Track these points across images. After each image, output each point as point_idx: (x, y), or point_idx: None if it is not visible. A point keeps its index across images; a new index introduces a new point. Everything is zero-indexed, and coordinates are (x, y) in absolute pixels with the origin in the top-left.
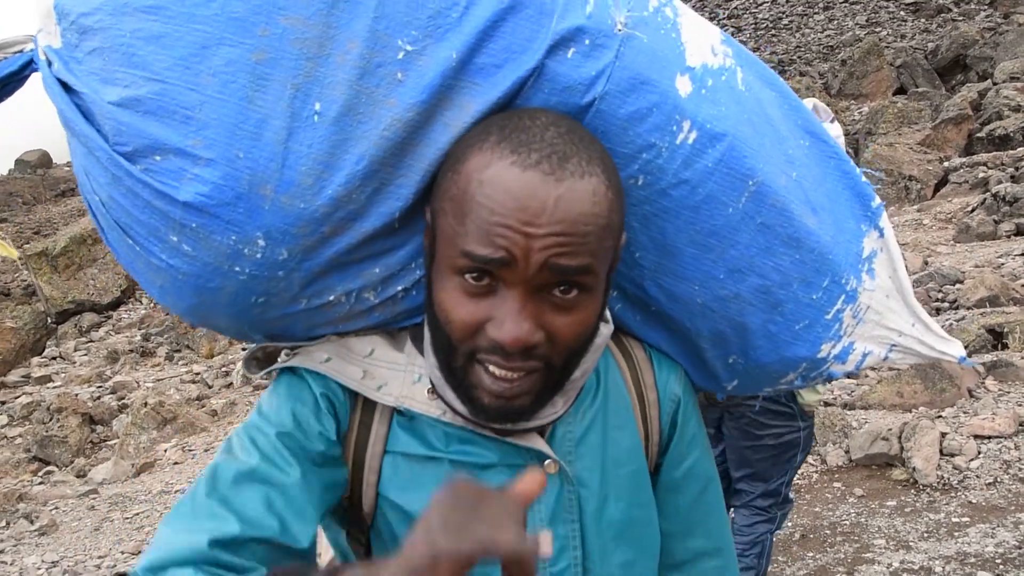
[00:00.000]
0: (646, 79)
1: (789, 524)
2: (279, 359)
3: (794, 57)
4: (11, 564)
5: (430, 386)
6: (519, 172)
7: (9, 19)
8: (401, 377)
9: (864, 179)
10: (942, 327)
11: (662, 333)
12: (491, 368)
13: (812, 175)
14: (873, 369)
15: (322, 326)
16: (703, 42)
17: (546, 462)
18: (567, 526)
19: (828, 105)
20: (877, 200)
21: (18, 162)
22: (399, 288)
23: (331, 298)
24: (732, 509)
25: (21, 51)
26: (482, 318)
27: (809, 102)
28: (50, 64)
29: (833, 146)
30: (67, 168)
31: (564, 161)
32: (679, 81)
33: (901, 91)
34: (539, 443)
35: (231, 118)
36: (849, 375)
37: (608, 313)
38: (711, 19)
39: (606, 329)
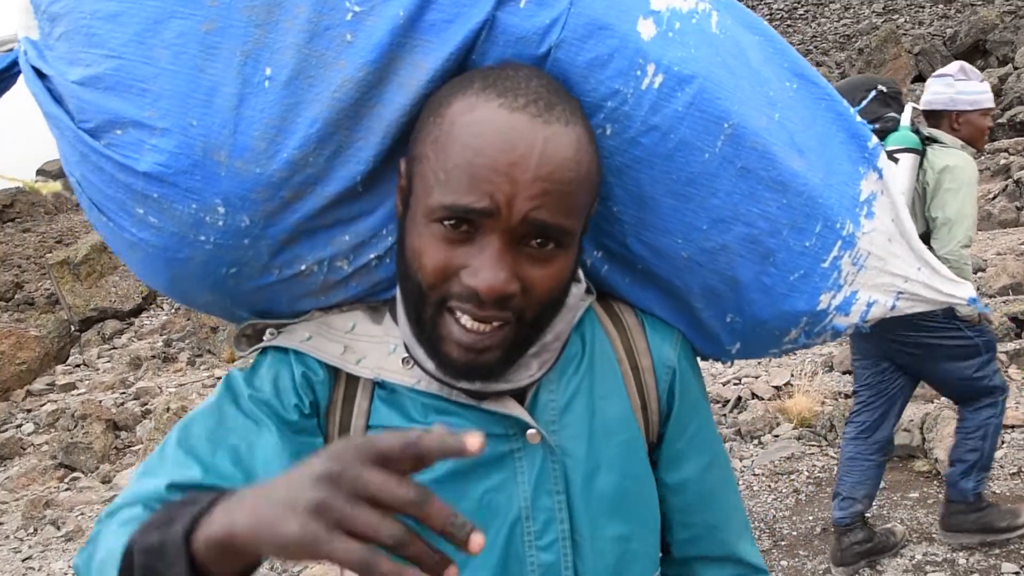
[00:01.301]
0: (604, 24)
1: (810, 518)
2: (265, 336)
3: (810, 47)
4: (39, 570)
5: (405, 355)
6: (507, 113)
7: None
8: (378, 349)
9: (859, 119)
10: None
11: (654, 294)
12: (462, 319)
13: (799, 117)
14: None
15: (303, 298)
16: None
17: (529, 431)
18: (552, 498)
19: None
20: (874, 140)
21: (39, 172)
22: (372, 256)
23: (303, 267)
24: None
25: (11, 49)
26: (457, 264)
27: (955, 65)
28: (27, 55)
29: (823, 87)
30: None
31: (551, 107)
32: (641, 24)
33: (919, 79)
34: (517, 410)
35: (183, 88)
36: (857, 328)
37: (582, 275)
38: None
39: (577, 290)
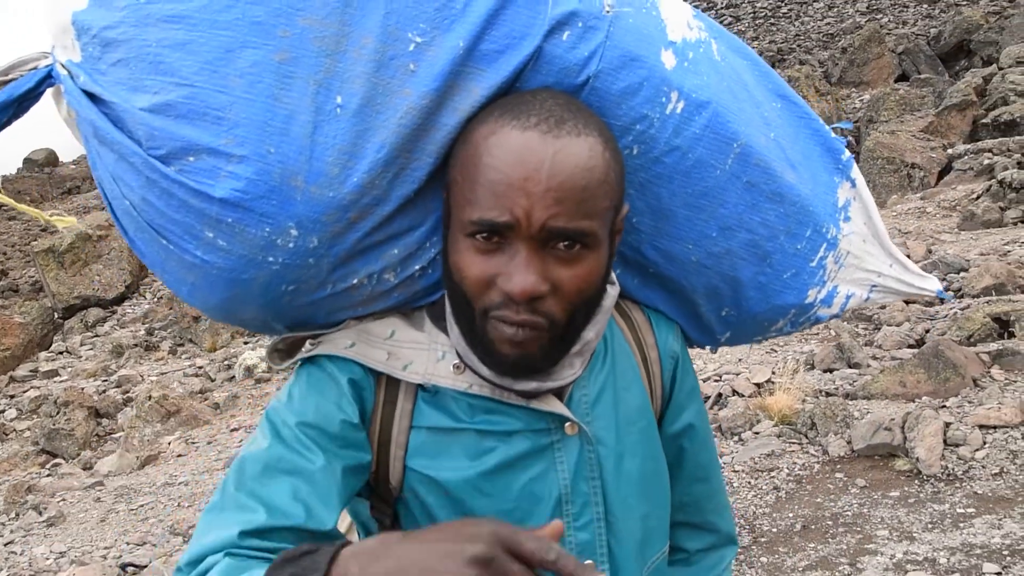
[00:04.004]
0: (635, 56)
1: (791, 515)
2: (302, 349)
3: (793, 46)
4: (21, 554)
5: (456, 361)
6: (519, 133)
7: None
8: (425, 355)
9: (833, 135)
10: (946, 316)
11: (660, 293)
12: (505, 320)
13: (787, 134)
14: (875, 359)
15: (343, 310)
16: (680, 18)
17: (567, 424)
18: (589, 483)
19: (828, 93)
20: (847, 153)
21: (26, 161)
22: (416, 267)
23: (355, 281)
24: None
25: (35, 68)
26: (494, 273)
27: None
28: (74, 77)
29: (802, 106)
30: (73, 167)
31: (561, 123)
32: (664, 55)
33: (903, 78)
34: (559, 407)
35: (260, 116)
36: (834, 317)
37: (615, 278)
38: (708, 8)
39: (613, 291)
